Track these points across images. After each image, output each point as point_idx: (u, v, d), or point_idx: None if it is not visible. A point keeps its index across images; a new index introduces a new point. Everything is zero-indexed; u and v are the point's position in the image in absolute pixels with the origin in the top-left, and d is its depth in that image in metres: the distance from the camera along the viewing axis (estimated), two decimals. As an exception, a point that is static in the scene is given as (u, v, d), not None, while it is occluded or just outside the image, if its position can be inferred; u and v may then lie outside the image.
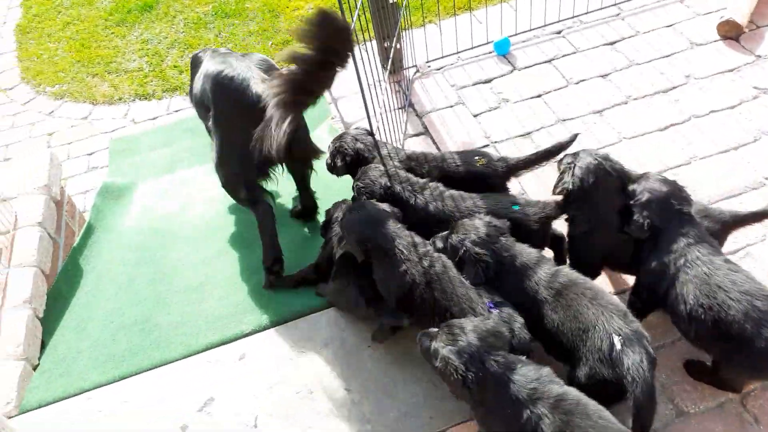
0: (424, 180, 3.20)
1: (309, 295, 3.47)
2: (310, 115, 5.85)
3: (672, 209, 2.63)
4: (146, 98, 6.44)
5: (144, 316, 3.66)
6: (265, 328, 3.35)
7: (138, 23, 7.30)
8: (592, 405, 2.17)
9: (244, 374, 3.14)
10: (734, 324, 2.33)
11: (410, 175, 3.24)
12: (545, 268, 2.64)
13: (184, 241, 4.32)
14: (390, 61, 4.22)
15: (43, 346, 3.57)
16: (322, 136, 5.49)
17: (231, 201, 4.72)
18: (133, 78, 6.61)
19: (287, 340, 3.24)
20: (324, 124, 5.71)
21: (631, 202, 2.71)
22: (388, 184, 3.15)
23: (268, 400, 3.01)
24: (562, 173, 2.87)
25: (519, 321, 2.53)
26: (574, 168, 2.76)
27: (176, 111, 6.29)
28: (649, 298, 2.64)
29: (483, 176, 3.22)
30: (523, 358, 2.34)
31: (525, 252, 2.71)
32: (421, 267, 2.75)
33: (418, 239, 2.88)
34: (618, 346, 2.27)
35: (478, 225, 2.75)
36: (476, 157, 3.26)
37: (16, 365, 3.28)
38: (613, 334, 2.30)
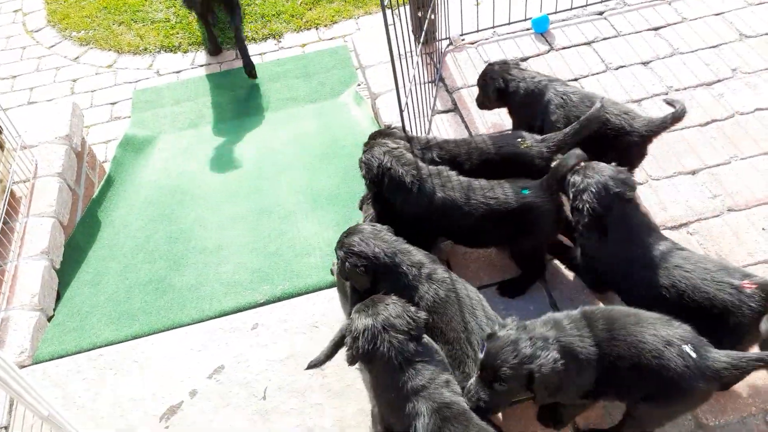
0: (439, 167, 3.02)
1: (327, 270, 3.42)
2: (335, 79, 5.78)
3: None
4: (172, 50, 6.34)
5: (159, 275, 3.64)
6: (279, 299, 3.31)
7: (167, -29, 7.13)
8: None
9: (256, 344, 3.11)
10: None
11: (419, 161, 3.05)
12: (577, 324, 2.34)
13: (202, 201, 4.28)
14: (423, 31, 4.07)
15: (59, 297, 3.58)
16: (347, 102, 5.39)
17: (251, 163, 4.67)
18: (160, 29, 6.50)
19: (301, 314, 3.21)
20: (350, 90, 5.60)
21: None
22: (389, 165, 2.96)
23: (279, 373, 2.99)
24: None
25: None
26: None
27: (201, 65, 6.19)
28: None
29: (525, 158, 3.06)
30: None
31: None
32: (427, 292, 2.59)
33: (422, 256, 2.72)
34: (693, 354, 2.19)
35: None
36: (518, 139, 3.11)
37: (31, 315, 3.28)
38: (683, 345, 2.21)
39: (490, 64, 3.53)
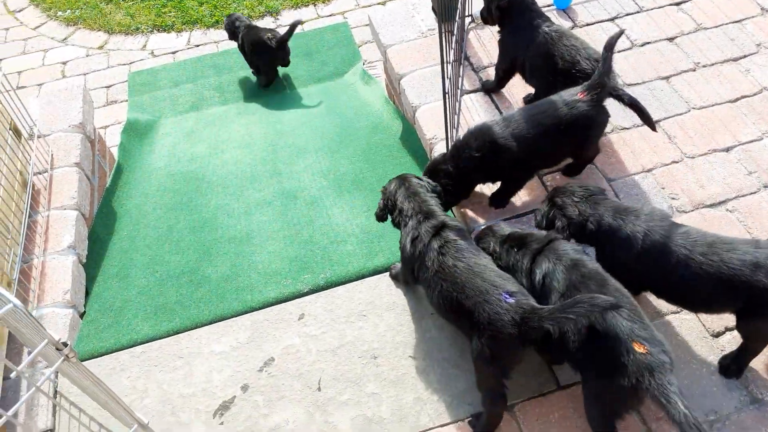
0: None
1: (366, 257, 3.37)
2: (338, 58, 5.65)
3: None
4: (165, 30, 6.13)
5: (190, 267, 3.53)
6: (323, 288, 3.24)
7: (154, -54, 6.85)
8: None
9: (305, 335, 3.05)
10: None
11: None
12: None
13: (221, 187, 4.15)
14: (446, 7, 3.98)
15: (87, 293, 3.45)
16: (353, 82, 5.30)
17: (263, 146, 4.52)
18: (151, 7, 6.26)
19: (347, 303, 3.15)
20: (355, 68, 5.50)
21: None
22: None
23: (331, 363, 2.94)
24: None
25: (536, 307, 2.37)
26: None
27: (197, 45, 6.01)
28: None
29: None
30: None
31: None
32: (431, 250, 2.63)
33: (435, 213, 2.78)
34: None
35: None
36: None
37: (66, 313, 3.15)
38: None
39: None
